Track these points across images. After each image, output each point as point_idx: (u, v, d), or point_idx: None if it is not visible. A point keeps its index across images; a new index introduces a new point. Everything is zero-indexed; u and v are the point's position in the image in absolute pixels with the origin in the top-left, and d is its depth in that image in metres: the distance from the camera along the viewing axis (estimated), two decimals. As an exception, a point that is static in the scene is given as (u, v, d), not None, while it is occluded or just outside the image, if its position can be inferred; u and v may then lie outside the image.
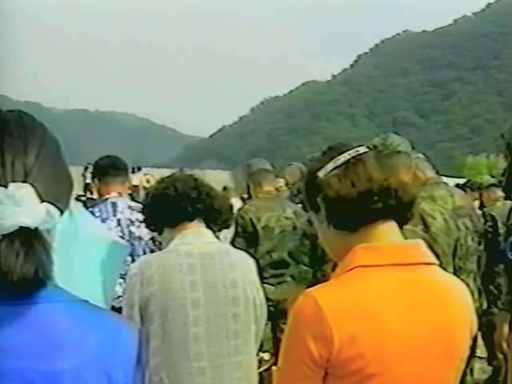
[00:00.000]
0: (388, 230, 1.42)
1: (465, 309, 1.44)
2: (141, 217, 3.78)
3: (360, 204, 1.37)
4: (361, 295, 1.31)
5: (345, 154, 1.43)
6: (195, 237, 2.42)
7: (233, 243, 4.32)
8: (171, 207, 2.42)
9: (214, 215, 2.50)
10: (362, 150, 1.45)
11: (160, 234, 2.56)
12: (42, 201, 0.98)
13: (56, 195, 1.02)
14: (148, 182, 5.63)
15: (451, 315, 1.40)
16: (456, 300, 1.43)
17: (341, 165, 1.41)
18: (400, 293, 1.34)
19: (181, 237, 2.41)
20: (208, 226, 2.49)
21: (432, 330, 1.36)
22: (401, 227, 1.46)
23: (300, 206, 4.78)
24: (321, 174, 1.43)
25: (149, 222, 2.58)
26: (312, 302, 1.29)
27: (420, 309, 1.35)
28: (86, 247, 1.41)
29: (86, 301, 1.06)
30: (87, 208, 3.72)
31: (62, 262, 1.03)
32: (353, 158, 1.42)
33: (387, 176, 1.41)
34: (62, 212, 1.03)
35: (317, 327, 1.28)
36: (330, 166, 1.42)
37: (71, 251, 1.21)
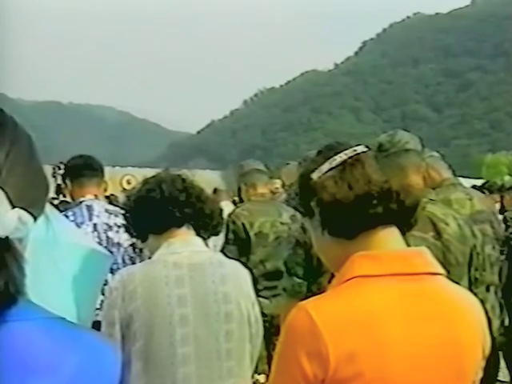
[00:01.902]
0: (389, 237, 1.43)
1: (476, 324, 1.44)
2: (119, 221, 3.81)
3: (358, 208, 1.38)
4: (359, 308, 1.31)
5: (341, 154, 1.44)
6: (184, 245, 2.39)
7: (224, 252, 4.32)
8: (157, 212, 2.39)
9: (205, 221, 2.48)
10: (361, 149, 1.46)
11: (144, 241, 2.54)
12: (13, 206, 0.96)
13: (29, 199, 1.01)
14: (129, 183, 5.64)
15: (460, 331, 1.40)
16: (466, 314, 1.43)
17: (337, 166, 1.42)
18: (402, 306, 1.35)
19: (167, 245, 2.38)
20: (198, 233, 2.47)
21: (438, 348, 1.35)
22: (403, 233, 1.47)
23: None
24: (315, 175, 1.44)
25: (131, 229, 2.55)
26: (305, 315, 1.30)
27: (425, 323, 1.35)
28: (66, 257, 1.40)
29: (63, 318, 1.04)
30: (60, 212, 3.73)
31: (35, 275, 1.02)
32: (350, 158, 1.43)
33: (388, 177, 1.42)
34: (35, 218, 1.02)
35: (311, 344, 1.28)
36: (325, 166, 1.43)
37: (49, 262, 1.20)
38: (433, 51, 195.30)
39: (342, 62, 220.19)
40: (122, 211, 3.73)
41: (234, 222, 4.50)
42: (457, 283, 1.56)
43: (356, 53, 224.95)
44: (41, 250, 1.15)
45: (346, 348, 1.27)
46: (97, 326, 2.33)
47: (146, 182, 2.50)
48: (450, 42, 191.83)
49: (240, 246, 4.45)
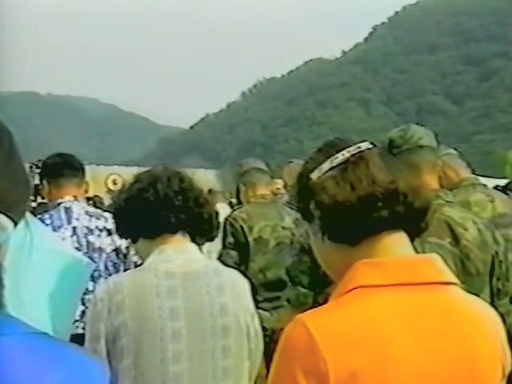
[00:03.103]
0: (395, 243, 1.43)
1: (494, 339, 1.43)
2: (101, 224, 3.84)
3: (361, 212, 1.39)
4: (362, 322, 1.31)
5: (343, 152, 1.44)
6: (177, 253, 2.39)
7: (222, 258, 4.33)
8: (149, 216, 2.38)
9: (203, 227, 2.48)
10: (365, 146, 1.47)
11: (134, 242, 2.53)
12: None
13: (9, 202, 1.01)
14: (114, 183, 5.67)
15: (475, 347, 1.38)
16: (482, 328, 1.42)
17: (338, 164, 1.43)
18: (410, 319, 1.34)
19: (159, 252, 2.37)
20: (193, 240, 2.47)
21: (450, 366, 1.35)
22: (412, 239, 1.47)
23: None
24: (314, 175, 1.45)
25: (120, 231, 2.54)
26: (302, 329, 1.30)
27: (435, 339, 1.35)
28: (42, 265, 1.40)
29: (45, 333, 1.04)
30: (35, 215, 3.75)
31: (13, 285, 1.02)
32: (353, 156, 1.44)
33: (394, 177, 1.42)
34: (15, 223, 1.02)
35: (308, 360, 1.28)
36: (326, 165, 1.44)
37: (24, 270, 1.20)
38: (451, 36, 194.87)
39: (350, 50, 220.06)
40: (106, 213, 3.74)
41: (232, 225, 4.50)
42: (477, 295, 1.56)
43: (366, 39, 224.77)
44: (19, 257, 1.15)
45: (346, 365, 1.27)
46: (76, 339, 2.33)
47: (138, 178, 2.47)
48: (470, 25, 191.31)
49: (238, 253, 4.45)
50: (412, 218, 1.45)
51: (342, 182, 1.40)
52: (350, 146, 1.46)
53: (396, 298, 1.35)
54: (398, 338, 1.31)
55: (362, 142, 1.48)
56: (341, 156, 1.44)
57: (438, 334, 1.35)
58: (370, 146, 1.47)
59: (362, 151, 1.45)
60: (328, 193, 1.40)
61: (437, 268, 1.42)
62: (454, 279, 1.44)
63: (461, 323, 1.39)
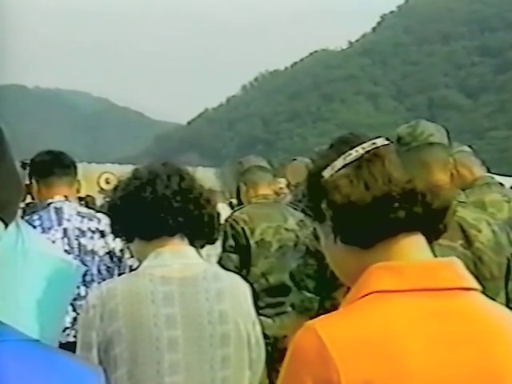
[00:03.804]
0: (412, 246, 1.43)
1: None
2: (94, 225, 3.84)
3: (376, 212, 1.39)
4: (377, 329, 1.31)
5: (358, 148, 1.44)
6: (174, 256, 2.39)
7: (222, 262, 4.33)
8: (146, 217, 2.38)
9: (203, 229, 2.49)
10: (381, 142, 1.47)
11: (129, 242, 2.53)
12: None
13: (0, 203, 1.02)
14: (107, 182, 5.68)
15: (498, 357, 1.37)
16: (506, 337, 1.40)
17: (352, 162, 1.43)
18: (428, 327, 1.33)
19: (155, 255, 2.38)
20: (192, 243, 2.47)
21: (471, 377, 1.33)
22: (430, 242, 1.47)
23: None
24: (326, 173, 1.45)
25: (114, 229, 2.54)
26: (314, 337, 1.29)
27: (455, 348, 1.33)
28: (31, 269, 1.40)
29: (37, 340, 1.05)
30: (23, 216, 3.76)
31: (11, 290, 1.02)
32: (367, 152, 1.44)
33: (412, 176, 1.42)
34: (6, 225, 1.03)
35: (319, 370, 1.27)
36: (339, 163, 1.44)
37: (16, 274, 1.20)
38: (466, 25, 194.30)
39: (357, 40, 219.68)
40: (99, 214, 3.75)
41: (232, 227, 4.50)
42: (492, 300, 1.55)
43: (374, 29, 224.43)
44: (8, 260, 1.15)
45: (360, 376, 1.26)
46: (66, 348, 2.33)
47: (136, 174, 2.47)
48: (486, 13, 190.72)
49: (239, 256, 4.45)
50: (430, 220, 1.45)
51: (355, 180, 1.40)
52: (364, 142, 1.46)
53: (414, 305, 1.35)
54: (416, 347, 1.31)
55: (377, 137, 1.48)
56: (354, 153, 1.44)
57: (458, 343, 1.34)
58: (386, 142, 1.48)
59: (377, 148, 1.45)
60: (341, 192, 1.40)
61: (457, 273, 1.42)
62: (476, 285, 1.43)
63: (483, 331, 1.38)
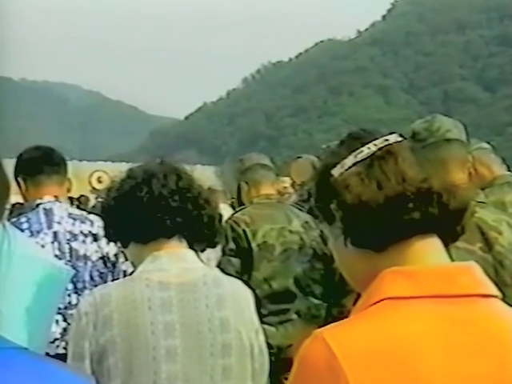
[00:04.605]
0: (428, 249, 1.43)
1: None
2: (87, 228, 3.83)
3: (389, 213, 1.39)
4: (389, 338, 1.31)
5: (369, 145, 1.45)
6: (172, 260, 2.39)
7: (222, 267, 4.33)
8: (142, 218, 2.38)
9: (202, 231, 2.49)
10: (394, 138, 1.47)
11: (125, 247, 2.53)
12: None
13: None
14: (99, 181, 5.68)
15: None
16: None
17: (364, 159, 1.43)
18: (444, 336, 1.33)
19: (152, 259, 2.38)
20: (191, 246, 2.47)
21: None
22: (447, 245, 1.47)
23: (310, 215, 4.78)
24: (336, 172, 1.45)
25: (108, 233, 2.55)
26: (323, 346, 1.29)
27: (472, 358, 1.33)
28: (18, 273, 1.40)
29: (25, 349, 1.05)
30: (9, 219, 3.74)
31: None
32: (380, 149, 1.44)
33: (427, 175, 1.42)
34: None
35: (329, 380, 1.27)
36: (349, 160, 1.44)
37: (3, 279, 1.20)
38: (484, 13, 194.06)
39: (366, 29, 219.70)
40: (91, 216, 3.74)
41: (233, 229, 4.50)
42: (512, 307, 1.56)
43: (384, 17, 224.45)
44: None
45: None
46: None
47: (131, 174, 2.47)
48: (505, 0, 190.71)
49: (240, 260, 4.45)
50: (447, 221, 1.45)
51: (367, 179, 1.40)
52: (377, 139, 1.46)
53: (429, 312, 1.35)
54: (431, 357, 1.30)
55: (391, 133, 1.48)
56: (366, 150, 1.44)
57: (476, 352, 1.34)
58: (400, 139, 1.48)
59: (390, 144, 1.45)
60: (352, 191, 1.40)
61: (476, 278, 1.41)
62: (496, 291, 1.43)
63: (502, 341, 1.38)
